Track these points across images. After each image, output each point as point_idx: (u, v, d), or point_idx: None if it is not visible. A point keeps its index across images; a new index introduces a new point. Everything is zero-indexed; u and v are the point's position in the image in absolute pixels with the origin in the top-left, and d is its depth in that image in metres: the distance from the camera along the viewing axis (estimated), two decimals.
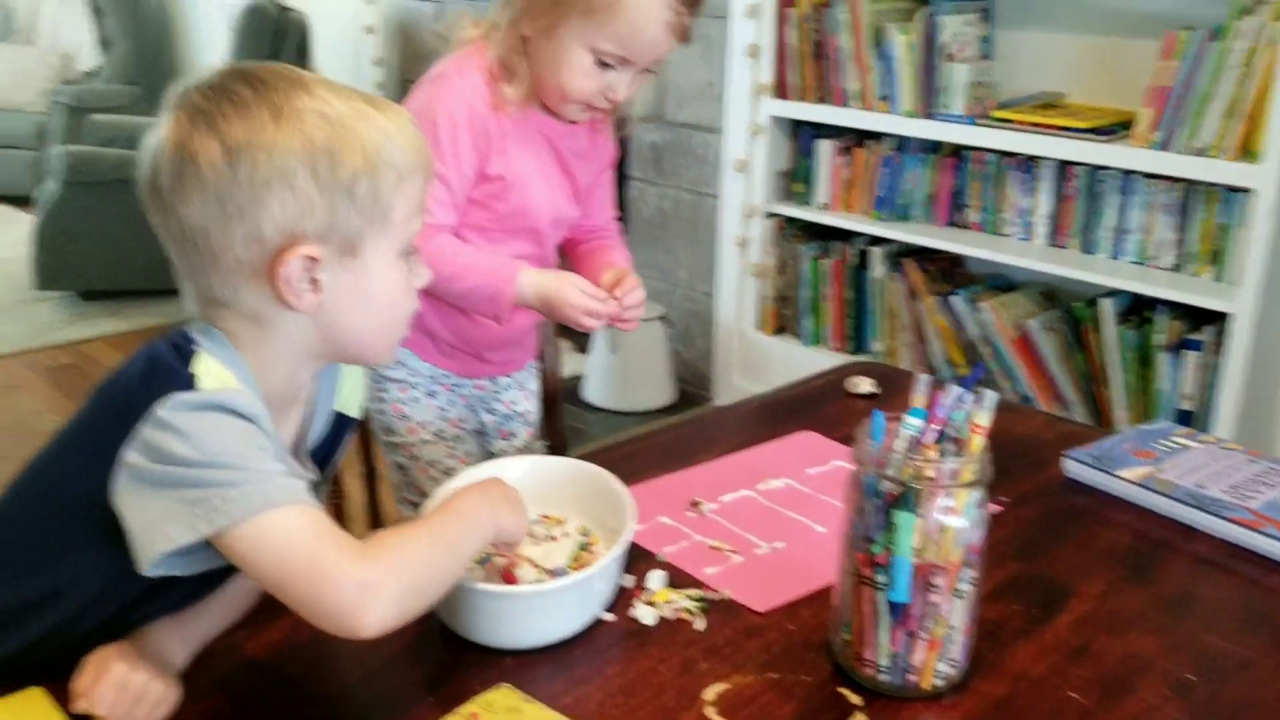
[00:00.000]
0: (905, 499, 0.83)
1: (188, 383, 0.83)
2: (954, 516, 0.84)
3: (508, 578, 0.99)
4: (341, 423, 1.04)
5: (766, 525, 1.13)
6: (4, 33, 5.79)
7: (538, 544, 1.05)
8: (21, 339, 3.86)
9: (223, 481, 0.79)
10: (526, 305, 1.36)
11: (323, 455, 1.02)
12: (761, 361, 3.31)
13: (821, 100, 3.03)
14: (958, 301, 2.85)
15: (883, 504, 0.84)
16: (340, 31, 4.48)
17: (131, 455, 0.81)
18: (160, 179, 0.84)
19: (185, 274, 0.88)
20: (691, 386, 3.51)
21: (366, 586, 0.79)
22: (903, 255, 2.99)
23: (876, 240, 3.04)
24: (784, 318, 3.32)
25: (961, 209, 2.91)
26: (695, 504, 1.17)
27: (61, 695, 0.85)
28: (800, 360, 3.16)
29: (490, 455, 1.58)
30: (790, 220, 3.23)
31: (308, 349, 0.91)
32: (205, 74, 0.86)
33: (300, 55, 4.01)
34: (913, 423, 0.86)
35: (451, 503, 0.92)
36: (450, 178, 1.32)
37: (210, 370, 0.85)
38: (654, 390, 3.37)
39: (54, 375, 3.63)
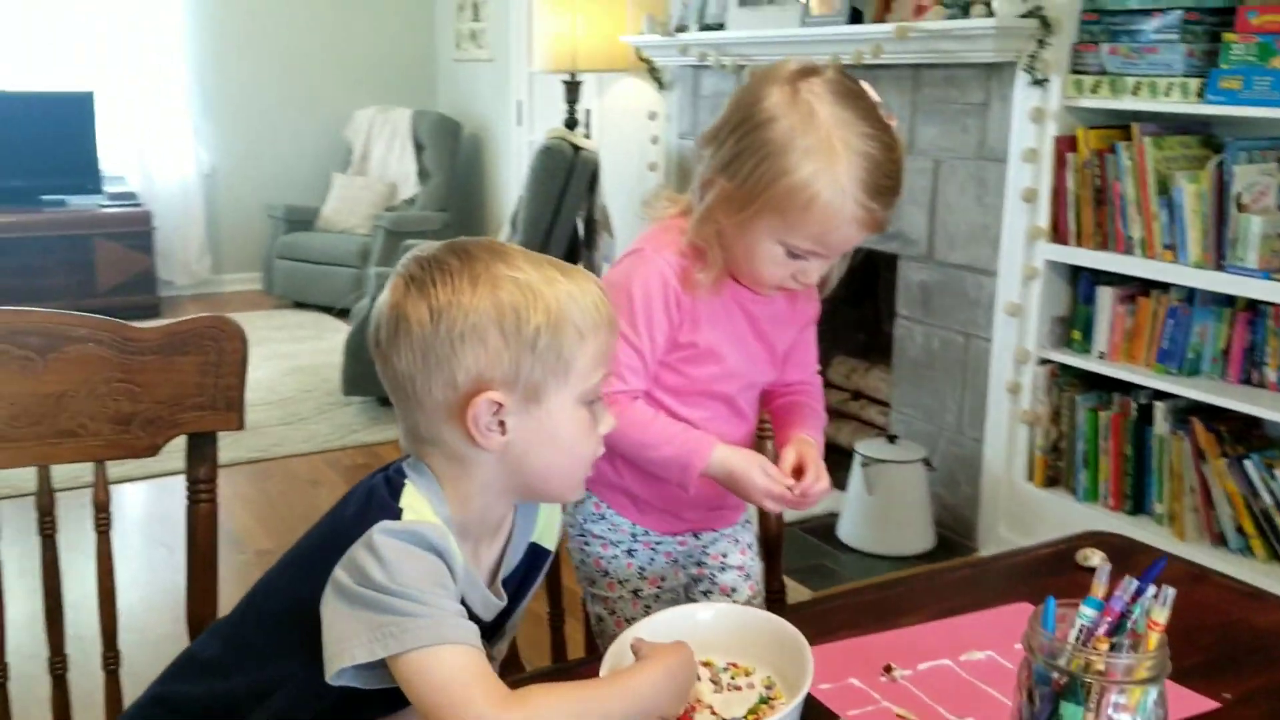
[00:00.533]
0: (1072, 690, 0.78)
1: (396, 515, 0.93)
2: (1126, 714, 0.78)
3: None
4: (537, 554, 1.09)
5: (959, 698, 1.08)
6: (344, 164, 6.48)
7: (720, 692, 1.06)
8: (326, 438, 4.23)
9: (404, 611, 0.87)
10: (713, 478, 1.38)
11: (518, 583, 1.08)
12: (1030, 514, 3.16)
13: (1102, 246, 2.93)
14: (1251, 466, 2.64)
15: (1050, 693, 0.80)
16: (627, 167, 4.74)
17: (339, 571, 0.90)
18: (380, 334, 0.96)
19: (400, 415, 0.98)
20: (953, 534, 3.39)
21: None
22: (1189, 412, 2.81)
23: (1160, 395, 2.87)
24: (1056, 469, 3.17)
25: (1258, 367, 2.71)
26: (888, 669, 1.14)
27: None
28: (1072, 516, 3.00)
29: None
30: (1065, 368, 3.11)
31: (500, 485, 0.99)
32: (427, 248, 0.98)
33: (590, 190, 4.27)
34: (1087, 613, 0.82)
35: (629, 675, 0.95)
36: (643, 347, 1.36)
37: (414, 504, 0.94)
38: (912, 535, 3.28)
39: (350, 473, 3.94)
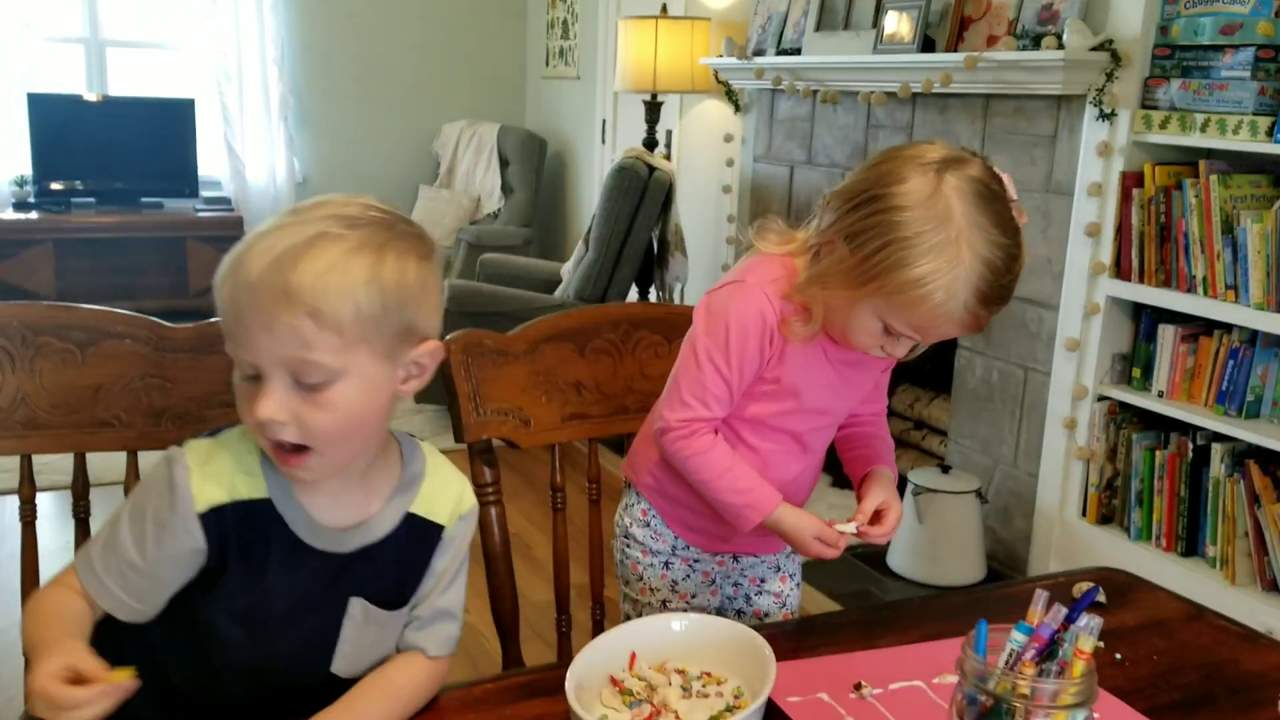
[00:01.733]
0: (996, 713, 0.81)
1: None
2: None
3: None
4: (426, 529, 1.12)
5: (923, 718, 1.11)
6: (431, 177, 6.64)
7: (688, 698, 1.10)
8: None
9: (103, 543, 1.04)
10: (766, 528, 1.40)
11: (399, 553, 1.11)
12: (1081, 551, 3.12)
13: (1165, 284, 2.89)
14: None
15: (978, 714, 0.82)
16: (703, 189, 4.80)
17: None
18: None
19: None
20: (1005, 568, 3.36)
21: None
22: (1247, 455, 2.76)
23: (1219, 436, 2.82)
24: (1110, 508, 3.13)
25: None
26: (859, 686, 1.16)
27: None
28: (1124, 555, 2.96)
29: None
30: (1123, 406, 3.07)
31: None
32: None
33: (664, 210, 4.33)
34: (1017, 638, 0.84)
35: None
36: (732, 379, 1.38)
37: (224, 442, 1.06)
38: (962, 566, 3.26)
39: None
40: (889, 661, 1.22)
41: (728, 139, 4.52)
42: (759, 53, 4.23)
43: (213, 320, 1.34)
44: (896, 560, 3.34)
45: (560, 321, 1.55)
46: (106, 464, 1.40)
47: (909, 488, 3.30)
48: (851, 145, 3.90)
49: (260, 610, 1.05)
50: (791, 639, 1.21)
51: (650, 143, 4.85)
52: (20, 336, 1.26)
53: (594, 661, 1.09)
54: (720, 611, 1.60)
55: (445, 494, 1.15)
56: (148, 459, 1.40)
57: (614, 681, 1.11)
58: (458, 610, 1.18)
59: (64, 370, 1.28)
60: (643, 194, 4.22)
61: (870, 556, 3.42)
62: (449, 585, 1.16)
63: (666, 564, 1.55)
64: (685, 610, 1.56)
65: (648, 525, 1.54)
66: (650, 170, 4.24)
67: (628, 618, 1.59)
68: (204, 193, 6.21)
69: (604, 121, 5.94)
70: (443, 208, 6.33)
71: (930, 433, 3.99)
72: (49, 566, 1.35)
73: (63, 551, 1.25)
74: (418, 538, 1.13)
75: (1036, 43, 3.11)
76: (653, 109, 4.84)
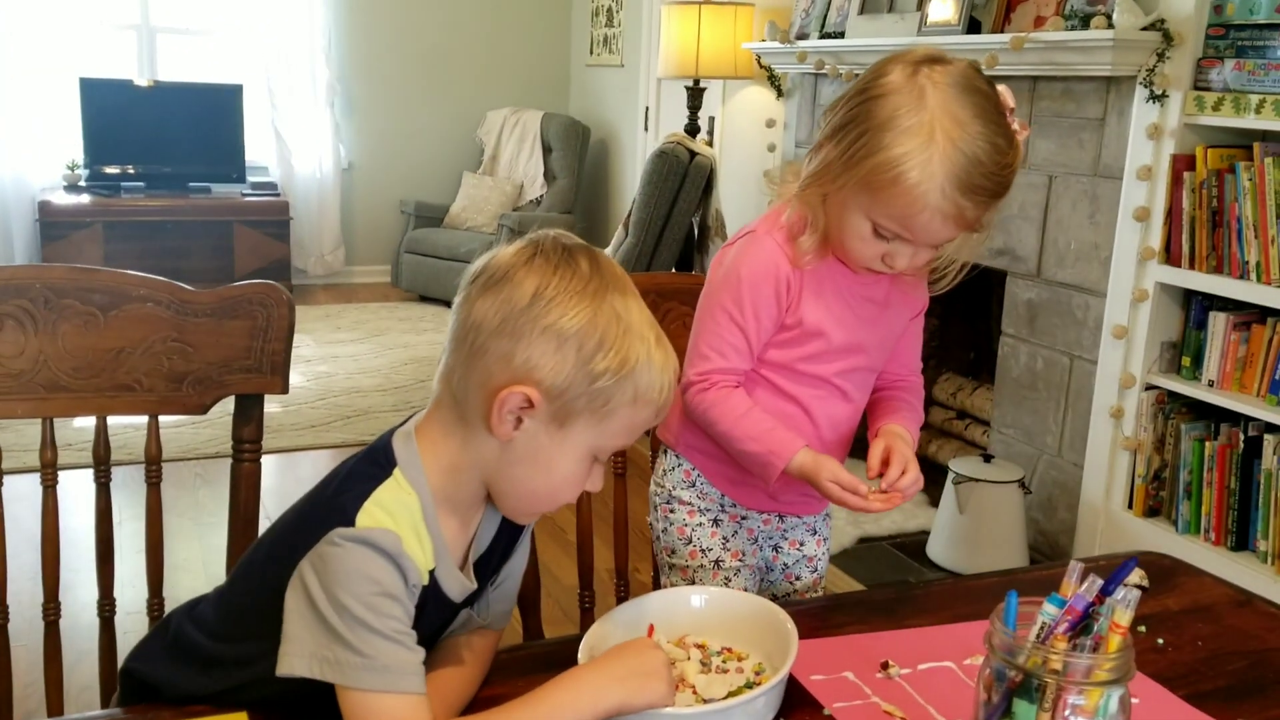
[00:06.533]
0: (1026, 688, 0.77)
1: (351, 516, 0.94)
2: (1084, 716, 0.77)
3: None
4: (514, 528, 1.11)
5: (951, 700, 1.06)
6: (474, 164, 6.64)
7: (707, 673, 1.07)
8: None
9: (351, 645, 0.90)
10: (794, 478, 1.37)
11: (498, 561, 1.10)
12: (1127, 544, 3.05)
13: (1217, 270, 2.82)
14: None
15: (1006, 690, 0.78)
16: (745, 174, 4.75)
17: (306, 566, 0.93)
18: (481, 278, 0.98)
19: (447, 354, 1.00)
20: (1048, 559, 3.29)
21: None
22: None
23: (1271, 427, 2.74)
24: (1157, 500, 3.06)
25: None
26: (885, 665, 1.12)
27: None
28: (1170, 547, 2.88)
29: (773, 594, 1.58)
30: (1172, 395, 3.00)
31: (485, 472, 1.01)
32: (571, 239, 1.00)
33: (705, 195, 4.29)
34: (1049, 610, 0.80)
35: (556, 687, 0.95)
36: (748, 327, 1.37)
37: (385, 498, 0.96)
38: (1004, 557, 3.19)
39: None
40: (918, 642, 1.18)
41: (769, 124, 4.47)
42: (802, 37, 4.18)
43: (234, 285, 1.33)
44: (936, 550, 3.28)
45: None
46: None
47: (950, 477, 3.24)
48: None
49: None
50: (817, 617, 1.18)
51: (692, 129, 4.81)
52: (43, 299, 1.25)
53: (610, 633, 1.07)
54: (769, 572, 1.58)
55: None
56: (168, 424, 1.40)
57: None
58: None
59: (86, 333, 1.27)
60: (683, 179, 4.19)
61: (908, 546, 3.37)
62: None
63: (716, 520, 1.52)
64: (737, 570, 1.53)
65: (693, 486, 1.52)
66: (691, 155, 4.20)
67: None
68: (251, 178, 6.26)
69: (646, 108, 5.91)
70: (486, 194, 6.33)
71: (973, 422, 3.92)
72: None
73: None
74: (511, 539, 1.12)
75: (1085, 23, 3.03)
76: (695, 95, 4.81)
